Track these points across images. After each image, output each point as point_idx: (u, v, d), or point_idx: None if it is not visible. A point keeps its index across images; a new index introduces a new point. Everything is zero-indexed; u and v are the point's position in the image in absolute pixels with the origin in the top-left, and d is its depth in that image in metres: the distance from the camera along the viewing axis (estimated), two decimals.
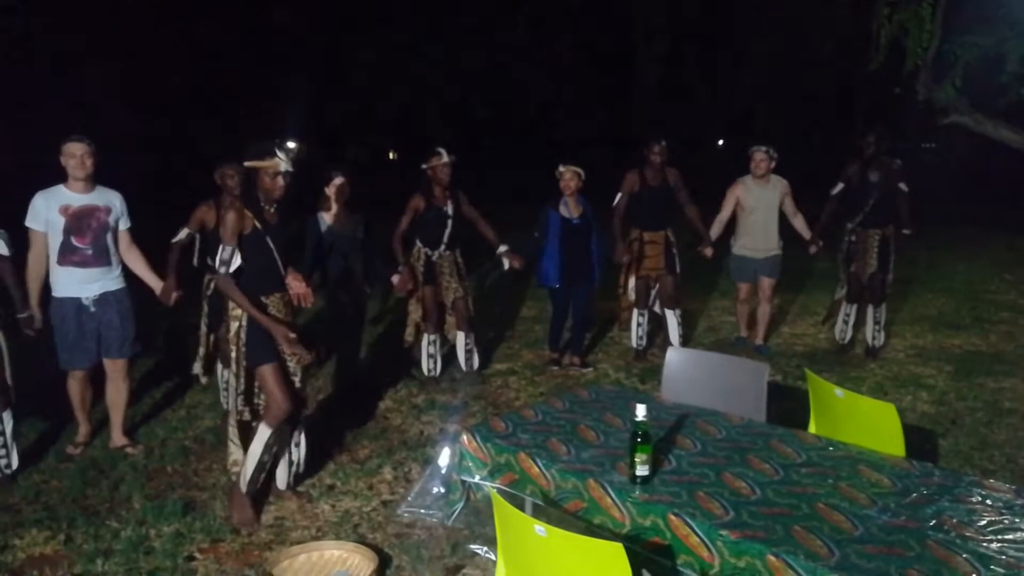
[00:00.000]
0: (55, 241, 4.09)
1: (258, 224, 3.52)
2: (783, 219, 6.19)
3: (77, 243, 4.09)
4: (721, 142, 29.15)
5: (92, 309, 4.16)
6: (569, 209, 5.64)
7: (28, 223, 4.07)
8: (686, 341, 6.52)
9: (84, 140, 4.10)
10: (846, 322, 6.19)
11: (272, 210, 3.60)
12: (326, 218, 5.08)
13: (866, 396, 3.01)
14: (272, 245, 3.57)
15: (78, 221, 4.08)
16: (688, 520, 2.15)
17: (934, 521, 2.11)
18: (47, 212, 4.04)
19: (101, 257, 4.17)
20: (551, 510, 2.62)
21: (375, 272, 5.34)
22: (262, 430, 3.56)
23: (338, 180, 5.06)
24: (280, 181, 3.51)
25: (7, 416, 3.97)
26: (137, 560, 3.33)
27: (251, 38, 21.38)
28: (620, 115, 24.88)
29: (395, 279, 5.26)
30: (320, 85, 22.46)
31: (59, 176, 4.15)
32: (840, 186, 5.97)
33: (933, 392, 5.33)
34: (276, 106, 20.50)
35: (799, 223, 6.24)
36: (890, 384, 5.51)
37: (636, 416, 2.37)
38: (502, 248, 5.47)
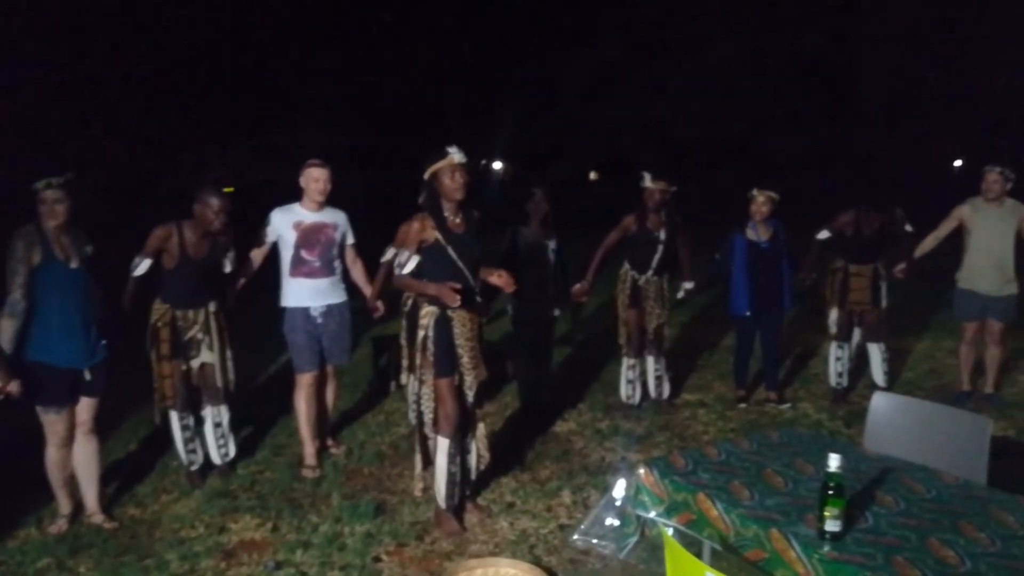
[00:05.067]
0: (287, 255, 4.44)
1: (440, 236, 3.62)
2: (1020, 253, 5.43)
3: (307, 256, 4.43)
4: (959, 163, 26.44)
5: (319, 320, 4.49)
6: (757, 232, 5.40)
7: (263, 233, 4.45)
8: (899, 382, 5.96)
9: (325, 165, 4.43)
10: None
11: (459, 220, 3.68)
12: (525, 232, 5.24)
13: None
14: (455, 255, 3.63)
15: (308, 236, 4.43)
16: None
17: None
18: (282, 228, 4.42)
19: (327, 269, 4.50)
20: (730, 557, 2.48)
21: (565, 288, 5.42)
22: (441, 442, 3.72)
23: (537, 195, 5.27)
24: (459, 178, 3.59)
25: (224, 409, 4.43)
26: (331, 555, 3.58)
27: (464, 63, 22.61)
28: (841, 135, 23.32)
29: (577, 287, 5.38)
30: (527, 107, 23.20)
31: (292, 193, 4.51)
32: None
33: None
34: (486, 127, 21.48)
35: None
36: None
37: (829, 467, 2.18)
38: (688, 285, 5.57)
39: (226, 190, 4.34)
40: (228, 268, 4.36)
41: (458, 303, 3.54)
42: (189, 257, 4.11)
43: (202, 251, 4.16)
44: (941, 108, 22.80)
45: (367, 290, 4.76)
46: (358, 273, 4.75)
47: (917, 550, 2.11)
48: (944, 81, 22.60)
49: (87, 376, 3.71)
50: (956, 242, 5.59)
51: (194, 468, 4.37)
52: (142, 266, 4.04)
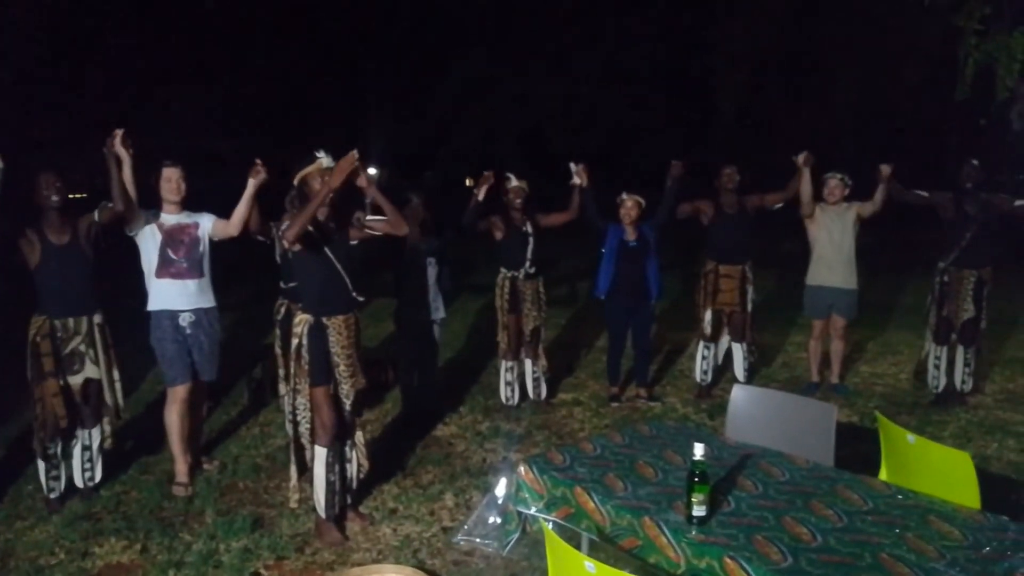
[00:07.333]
0: (153, 256, 4.24)
1: (312, 229, 3.51)
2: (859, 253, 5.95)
3: (173, 255, 4.24)
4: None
5: (188, 330, 4.29)
6: (627, 233, 5.67)
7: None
8: (757, 376, 6.38)
9: (178, 165, 4.29)
10: (937, 367, 5.72)
11: (332, 224, 3.65)
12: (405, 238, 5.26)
13: (944, 442, 2.90)
14: (332, 256, 3.58)
15: (172, 236, 4.25)
16: (744, 564, 2.10)
17: None
18: (146, 227, 4.22)
19: (196, 270, 4.32)
20: (607, 546, 2.60)
21: (448, 279, 5.52)
22: (318, 451, 3.67)
23: (414, 202, 5.30)
24: None
25: (96, 432, 4.19)
26: (206, 573, 3.46)
27: (335, 68, 22.17)
28: (698, 143, 24.57)
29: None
30: (400, 113, 23.07)
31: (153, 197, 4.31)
32: (925, 194, 5.68)
33: (1022, 440, 5.05)
34: (358, 133, 21.16)
35: (878, 196, 5.76)
36: (975, 430, 5.24)
37: (694, 455, 2.34)
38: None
39: (76, 196, 4.12)
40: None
41: (356, 160, 3.42)
42: (52, 244, 3.93)
43: (64, 236, 3.97)
44: (788, 119, 24.45)
45: (248, 196, 4.33)
46: (238, 212, 4.32)
47: (774, 529, 2.30)
48: (790, 93, 24.26)
49: None
50: (805, 244, 6.06)
51: (54, 496, 4.10)
52: None
